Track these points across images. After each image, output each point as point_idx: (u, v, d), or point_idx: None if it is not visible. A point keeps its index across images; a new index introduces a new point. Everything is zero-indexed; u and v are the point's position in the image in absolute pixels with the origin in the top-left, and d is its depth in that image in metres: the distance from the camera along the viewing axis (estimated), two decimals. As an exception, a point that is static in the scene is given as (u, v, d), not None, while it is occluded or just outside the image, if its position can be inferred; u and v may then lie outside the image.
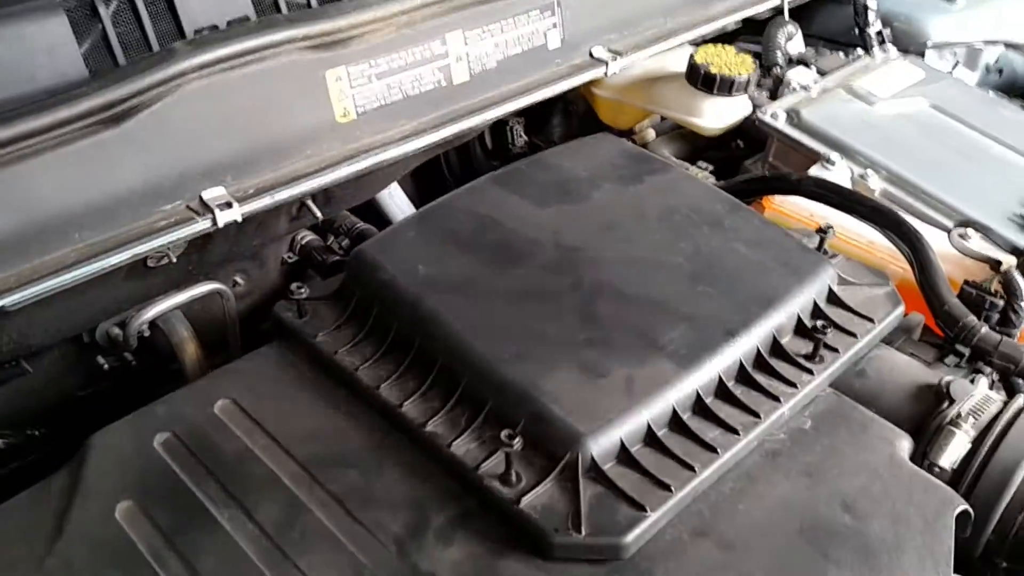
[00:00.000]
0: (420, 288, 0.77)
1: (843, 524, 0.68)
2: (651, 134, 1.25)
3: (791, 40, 1.29)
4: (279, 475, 0.68)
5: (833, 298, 0.82)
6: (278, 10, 0.88)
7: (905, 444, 0.76)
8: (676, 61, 1.15)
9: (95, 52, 0.78)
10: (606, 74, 1.08)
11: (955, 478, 0.75)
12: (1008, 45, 1.50)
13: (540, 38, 1.03)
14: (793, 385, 0.75)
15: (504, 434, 0.65)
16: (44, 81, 0.75)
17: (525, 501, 0.65)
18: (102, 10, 0.78)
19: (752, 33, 1.33)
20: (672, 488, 0.67)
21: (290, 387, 0.76)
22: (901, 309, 0.85)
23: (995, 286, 0.89)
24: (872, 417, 0.77)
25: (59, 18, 0.76)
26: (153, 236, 0.77)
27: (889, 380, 0.82)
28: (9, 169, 0.70)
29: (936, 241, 0.93)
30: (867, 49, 1.33)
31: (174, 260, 0.84)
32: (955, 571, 0.68)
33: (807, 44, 1.33)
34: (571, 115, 1.28)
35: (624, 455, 0.69)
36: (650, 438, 0.70)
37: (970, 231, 0.98)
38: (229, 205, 0.80)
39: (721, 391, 0.74)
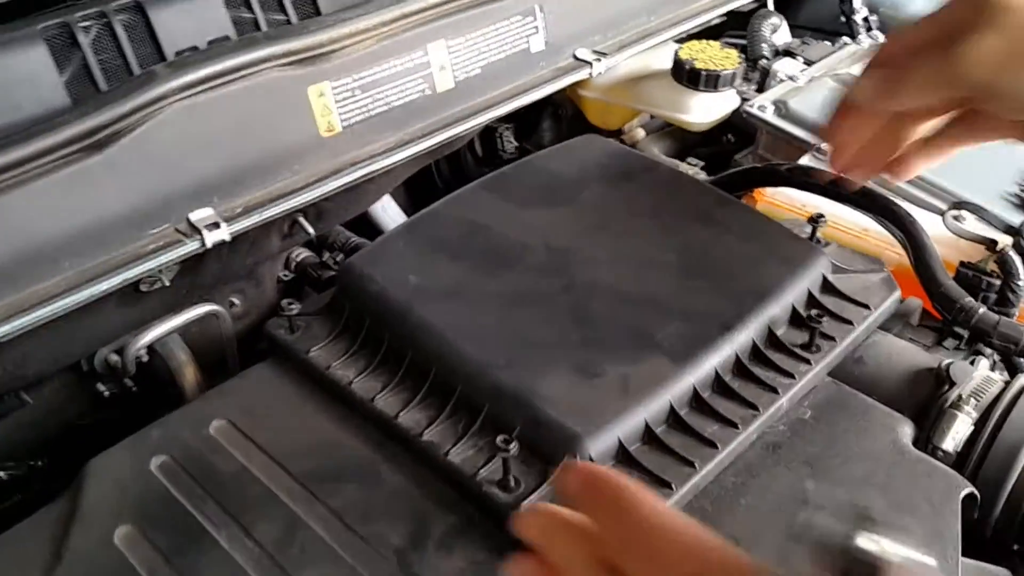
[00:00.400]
0: (411, 298, 0.77)
1: (848, 514, 0.68)
2: (640, 133, 1.25)
3: (776, 31, 1.29)
4: (276, 492, 0.68)
5: (828, 286, 0.82)
6: (257, 28, 0.88)
7: (907, 429, 0.75)
8: (661, 59, 1.15)
9: (77, 80, 0.79)
10: (591, 75, 1.08)
11: (959, 461, 0.75)
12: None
13: (523, 43, 1.03)
14: (791, 376, 0.75)
15: (500, 439, 0.64)
16: (28, 111, 0.75)
17: (524, 506, 0.64)
18: (81, 38, 0.78)
19: (737, 27, 1.33)
20: (673, 486, 0.66)
21: (285, 404, 0.76)
22: (897, 294, 0.84)
23: (991, 266, 0.89)
24: (873, 404, 0.77)
25: (40, 48, 0.76)
26: (142, 260, 0.77)
27: (888, 366, 0.81)
28: (-6, 200, 0.70)
29: (930, 224, 0.92)
30: (853, 36, 1.32)
31: (167, 284, 0.84)
32: (966, 555, 0.67)
33: (793, 34, 1.32)
34: (560, 118, 1.28)
35: (623, 455, 0.68)
36: (648, 436, 0.69)
37: (964, 212, 0.97)
38: (217, 225, 0.80)
39: (718, 385, 0.73)
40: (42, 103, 0.76)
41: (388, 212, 1.18)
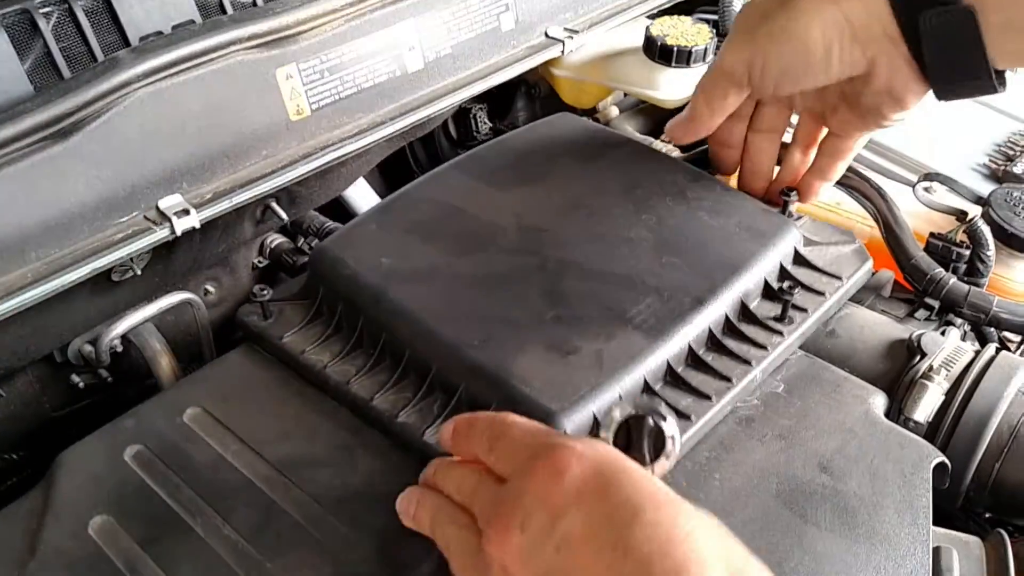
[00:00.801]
0: (384, 280, 0.77)
1: (820, 485, 0.68)
2: (614, 111, 1.25)
3: (748, 6, 1.28)
4: (252, 479, 0.68)
5: (799, 259, 0.82)
6: (223, 11, 0.87)
7: (879, 401, 0.76)
8: (633, 35, 1.14)
9: (39, 67, 0.77)
10: (563, 53, 1.07)
11: (931, 431, 0.76)
12: None
13: (493, 21, 1.02)
14: (763, 348, 0.75)
15: (475, 419, 0.64)
16: (-12, 100, 0.74)
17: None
18: (42, 24, 0.77)
19: (709, 3, 1.33)
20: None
21: (259, 390, 0.75)
22: (869, 264, 0.85)
23: (961, 236, 0.90)
24: (845, 376, 0.78)
25: (-1, 36, 0.75)
26: (112, 249, 0.76)
27: (860, 338, 0.82)
28: (-43, 192, 0.69)
29: (901, 196, 0.93)
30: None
31: (139, 273, 0.84)
32: (936, 524, 0.68)
33: (764, 10, 1.32)
34: (534, 98, 1.28)
35: (597, 430, 0.68)
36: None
37: (934, 184, 0.98)
38: (187, 212, 0.79)
39: (692, 359, 0.74)
40: (3, 92, 0.74)
41: (362, 195, 1.17)
